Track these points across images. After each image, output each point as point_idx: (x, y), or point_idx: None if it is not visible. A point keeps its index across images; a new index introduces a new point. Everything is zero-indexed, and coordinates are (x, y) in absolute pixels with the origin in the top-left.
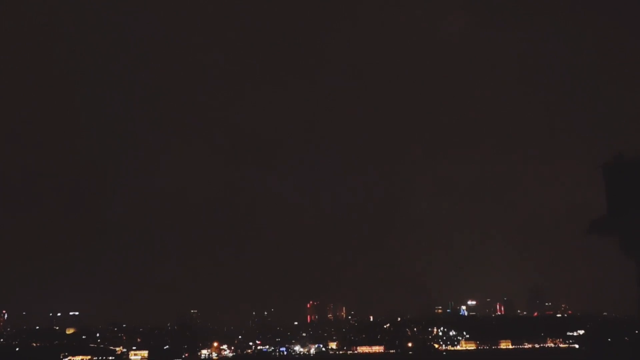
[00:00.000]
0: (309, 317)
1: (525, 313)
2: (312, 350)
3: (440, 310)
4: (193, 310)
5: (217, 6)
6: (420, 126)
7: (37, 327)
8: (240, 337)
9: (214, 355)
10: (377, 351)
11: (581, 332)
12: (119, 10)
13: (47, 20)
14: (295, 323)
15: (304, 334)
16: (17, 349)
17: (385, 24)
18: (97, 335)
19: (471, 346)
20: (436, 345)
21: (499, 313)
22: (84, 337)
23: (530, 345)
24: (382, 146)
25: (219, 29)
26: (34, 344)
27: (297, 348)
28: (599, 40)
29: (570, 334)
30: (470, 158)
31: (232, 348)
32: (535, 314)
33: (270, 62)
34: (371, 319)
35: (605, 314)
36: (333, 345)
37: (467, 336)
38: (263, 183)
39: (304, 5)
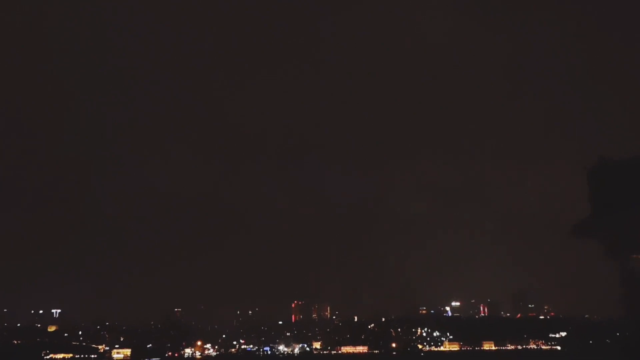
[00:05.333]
0: (293, 316)
1: (508, 315)
2: (296, 350)
3: (424, 311)
4: (177, 308)
5: (212, 4)
6: (406, 127)
7: (19, 325)
8: (224, 336)
9: (198, 354)
10: (361, 351)
11: (563, 333)
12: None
13: (42, 18)
14: (280, 322)
15: (288, 334)
16: None
17: (372, 25)
18: (80, 333)
19: (455, 347)
20: (420, 346)
21: (482, 314)
22: (66, 334)
23: (513, 347)
24: (366, 147)
25: (214, 26)
26: (15, 342)
27: (281, 347)
28: (585, 44)
29: (553, 335)
30: (454, 159)
31: (216, 347)
32: (519, 315)
33: (260, 63)
34: (355, 319)
35: (587, 316)
36: (317, 345)
37: (451, 337)
38: (248, 183)
39: (292, 9)
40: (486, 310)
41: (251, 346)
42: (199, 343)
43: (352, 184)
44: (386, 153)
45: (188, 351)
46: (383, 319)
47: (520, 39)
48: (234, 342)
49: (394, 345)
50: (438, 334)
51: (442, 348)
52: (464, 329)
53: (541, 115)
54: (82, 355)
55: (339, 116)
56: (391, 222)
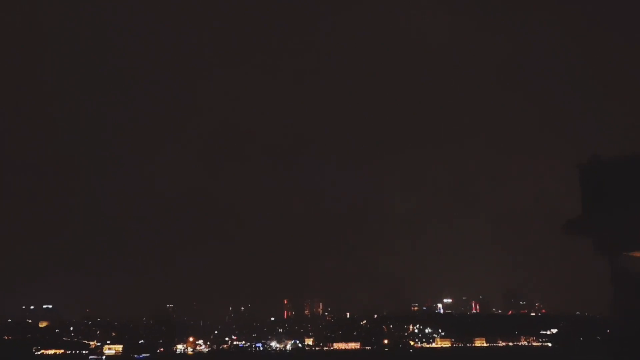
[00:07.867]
0: (285, 313)
1: (500, 311)
2: (288, 346)
3: (416, 308)
4: (169, 304)
5: (212, 4)
6: (406, 127)
7: (10, 320)
8: (216, 332)
9: (190, 350)
10: (353, 347)
11: (554, 330)
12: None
13: (42, 18)
14: (272, 319)
15: (281, 330)
16: None
17: (372, 25)
18: (71, 329)
19: (446, 344)
20: (412, 342)
21: (474, 311)
22: (57, 330)
23: (504, 343)
24: (365, 147)
25: (214, 26)
26: (6, 337)
27: (274, 344)
28: (585, 44)
29: (544, 332)
30: (449, 158)
31: (208, 343)
32: (510, 312)
33: (260, 63)
34: (348, 316)
35: (578, 313)
36: (309, 341)
37: (443, 334)
38: (248, 183)
39: (292, 9)
40: (478, 307)
41: (243, 342)
42: (191, 339)
43: (352, 184)
44: (386, 153)
45: (180, 347)
46: (375, 316)
47: (520, 39)
48: (226, 338)
49: (386, 341)
50: (430, 330)
51: (433, 344)
52: (456, 325)
53: (541, 115)
54: (73, 351)
55: (339, 116)
56: (387, 220)
